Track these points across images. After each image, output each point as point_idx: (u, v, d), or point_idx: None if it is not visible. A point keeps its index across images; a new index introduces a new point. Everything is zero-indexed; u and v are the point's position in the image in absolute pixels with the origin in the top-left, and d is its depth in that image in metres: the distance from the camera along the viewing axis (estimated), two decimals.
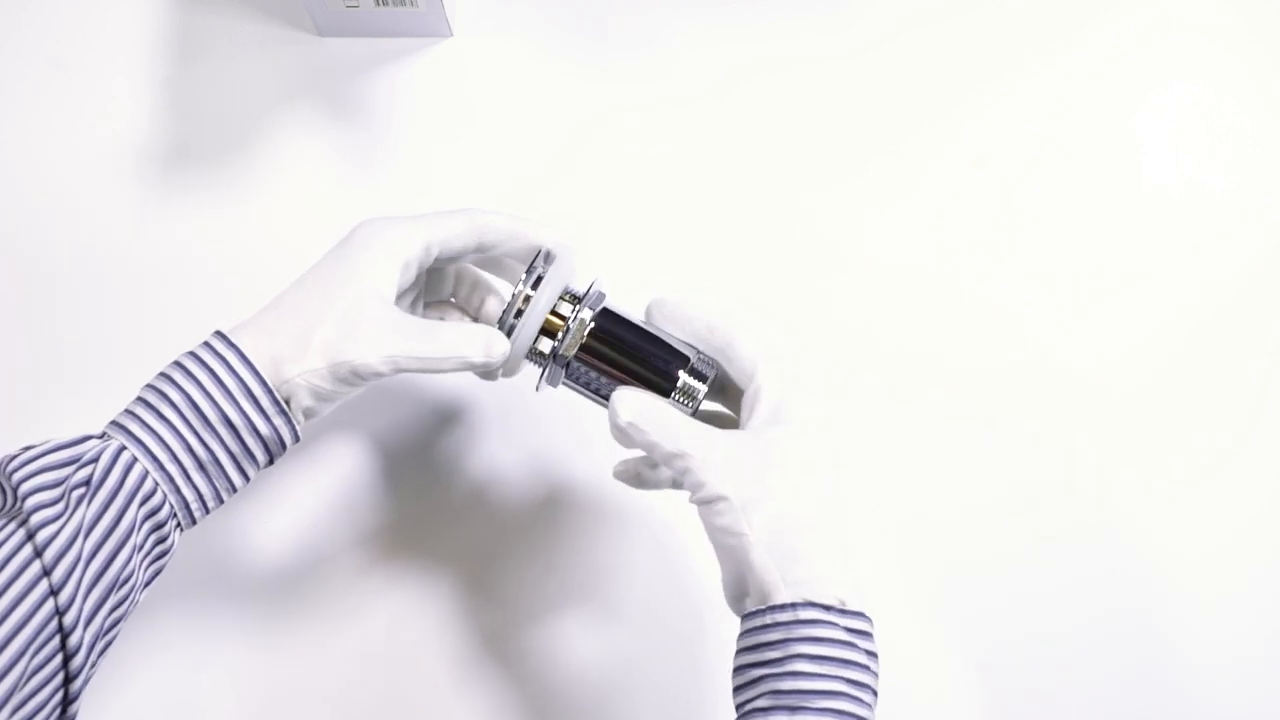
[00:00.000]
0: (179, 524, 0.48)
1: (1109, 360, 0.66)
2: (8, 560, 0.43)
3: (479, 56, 0.71)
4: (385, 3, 0.67)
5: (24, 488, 0.44)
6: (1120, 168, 0.69)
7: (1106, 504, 0.64)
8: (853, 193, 0.69)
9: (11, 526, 0.44)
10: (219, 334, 0.49)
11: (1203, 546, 0.63)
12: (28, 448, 0.46)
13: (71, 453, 0.46)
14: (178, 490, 0.47)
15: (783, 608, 0.46)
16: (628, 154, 0.69)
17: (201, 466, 0.48)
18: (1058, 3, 0.71)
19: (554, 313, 0.53)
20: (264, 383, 0.48)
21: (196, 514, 0.48)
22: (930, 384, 0.66)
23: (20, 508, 0.44)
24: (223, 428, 0.48)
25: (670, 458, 0.49)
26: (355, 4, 0.67)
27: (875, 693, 0.47)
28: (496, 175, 0.69)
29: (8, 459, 0.46)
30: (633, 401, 0.50)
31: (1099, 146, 0.69)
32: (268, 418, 0.48)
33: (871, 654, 0.47)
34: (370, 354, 0.49)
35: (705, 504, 0.49)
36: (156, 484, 0.47)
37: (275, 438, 0.49)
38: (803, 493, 0.49)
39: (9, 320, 0.66)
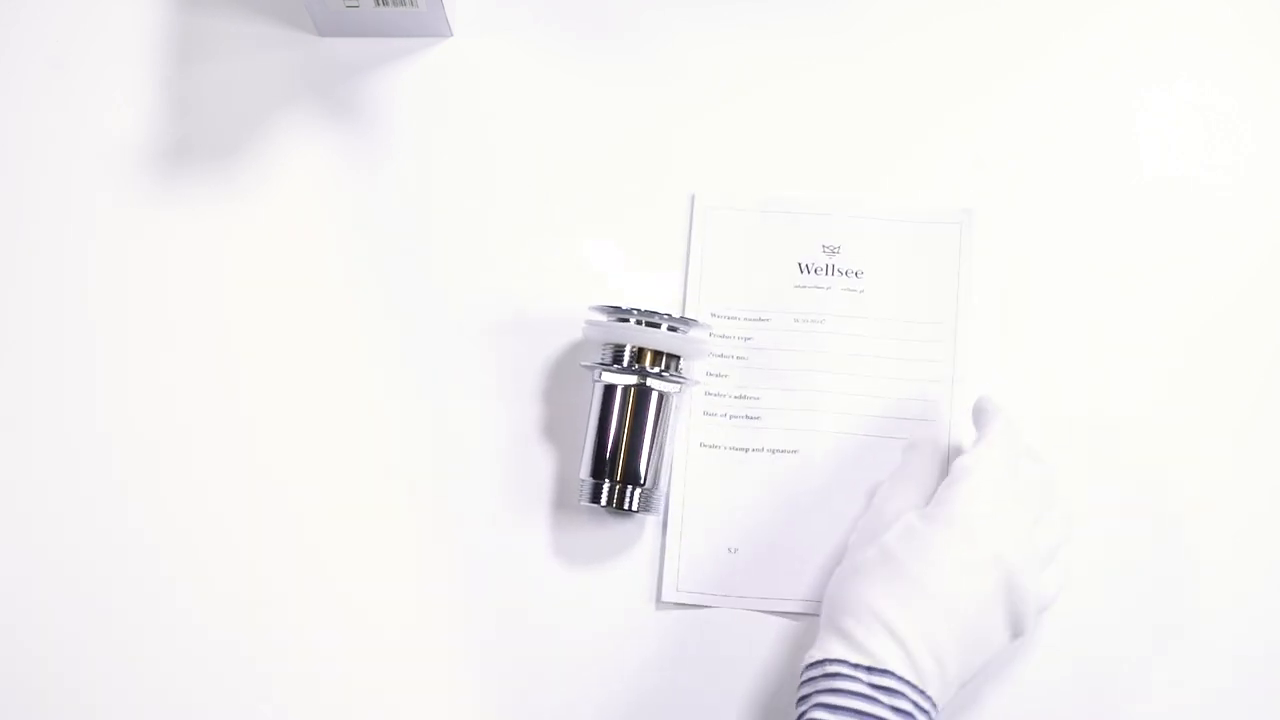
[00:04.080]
0: None
1: (1108, 361, 0.66)
2: None
3: (479, 56, 0.71)
4: (385, 3, 0.67)
5: None
6: (1121, 168, 0.69)
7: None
8: (853, 194, 0.69)
9: None
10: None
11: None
12: None
13: None
14: None
15: (815, 664, 0.53)
16: (629, 154, 0.69)
17: None
18: (1058, 2, 0.71)
19: None
20: None
21: None
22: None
23: None
24: None
25: None
26: (355, 4, 0.67)
27: None
28: (497, 175, 0.69)
29: None
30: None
31: (1099, 147, 0.69)
32: None
33: (899, 710, 0.51)
34: None
35: None
36: None
37: None
38: (871, 565, 0.55)
39: (8, 320, 0.66)
